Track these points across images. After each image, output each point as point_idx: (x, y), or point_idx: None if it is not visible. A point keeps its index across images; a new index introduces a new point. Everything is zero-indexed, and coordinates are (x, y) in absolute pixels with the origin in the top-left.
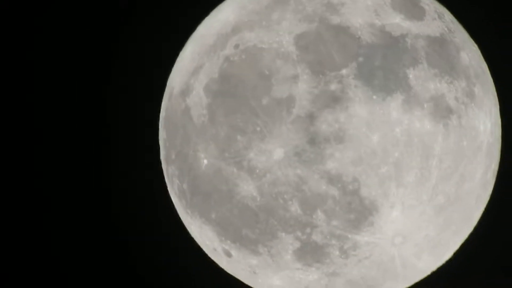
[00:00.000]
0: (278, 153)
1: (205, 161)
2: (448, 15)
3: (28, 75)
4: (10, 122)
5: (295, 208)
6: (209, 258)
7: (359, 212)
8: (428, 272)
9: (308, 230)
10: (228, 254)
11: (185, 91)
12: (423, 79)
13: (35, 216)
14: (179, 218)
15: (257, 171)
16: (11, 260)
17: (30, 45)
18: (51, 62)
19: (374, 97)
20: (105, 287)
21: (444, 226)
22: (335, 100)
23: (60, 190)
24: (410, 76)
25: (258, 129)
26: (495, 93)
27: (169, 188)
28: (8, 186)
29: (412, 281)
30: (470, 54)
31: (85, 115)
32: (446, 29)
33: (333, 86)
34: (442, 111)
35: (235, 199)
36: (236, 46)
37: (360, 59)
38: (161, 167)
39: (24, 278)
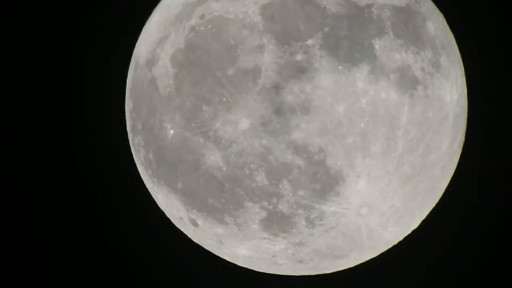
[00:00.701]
0: (244, 123)
1: (171, 131)
2: None
3: None
4: None
5: (261, 178)
6: (176, 227)
7: (325, 182)
8: (395, 242)
9: (274, 200)
10: (195, 224)
11: (151, 62)
12: (389, 49)
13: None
14: (145, 187)
15: (223, 141)
16: None
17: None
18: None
19: (340, 67)
20: (72, 256)
21: (410, 197)
22: (301, 71)
23: (29, 161)
24: (376, 46)
25: (224, 99)
26: (462, 64)
27: (135, 158)
28: None
29: (379, 251)
30: (436, 24)
31: (52, 86)
32: None
33: (299, 57)
34: (408, 81)
35: (201, 169)
36: (202, 17)
37: (326, 29)
38: (127, 137)
39: None
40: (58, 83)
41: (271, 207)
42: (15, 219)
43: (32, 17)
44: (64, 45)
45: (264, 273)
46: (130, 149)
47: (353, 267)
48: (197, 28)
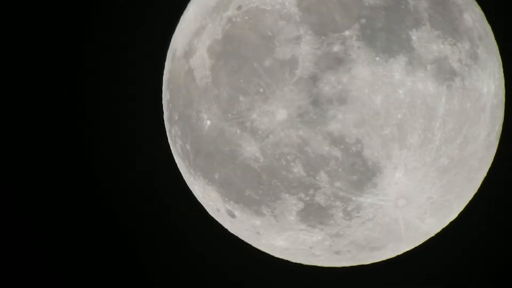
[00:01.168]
0: (281, 114)
1: (208, 122)
2: None
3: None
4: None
5: (298, 169)
6: (213, 218)
7: (362, 173)
8: (432, 234)
9: (311, 191)
10: (232, 215)
11: (188, 53)
12: (426, 40)
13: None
14: (182, 178)
15: (260, 132)
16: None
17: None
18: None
19: (377, 58)
20: (109, 249)
21: (448, 188)
22: (338, 62)
23: (66, 154)
24: (413, 37)
25: (261, 90)
26: (499, 55)
27: (172, 149)
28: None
29: (416, 243)
30: (474, 16)
31: (91, 77)
32: None
33: (336, 48)
34: (445, 73)
35: (238, 160)
36: (239, 7)
37: (363, 20)
38: (164, 128)
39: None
40: (97, 74)
41: (308, 198)
42: (56, 213)
43: (69, 7)
44: (102, 37)
45: (300, 264)
46: (167, 140)
47: (390, 258)
48: (234, 19)
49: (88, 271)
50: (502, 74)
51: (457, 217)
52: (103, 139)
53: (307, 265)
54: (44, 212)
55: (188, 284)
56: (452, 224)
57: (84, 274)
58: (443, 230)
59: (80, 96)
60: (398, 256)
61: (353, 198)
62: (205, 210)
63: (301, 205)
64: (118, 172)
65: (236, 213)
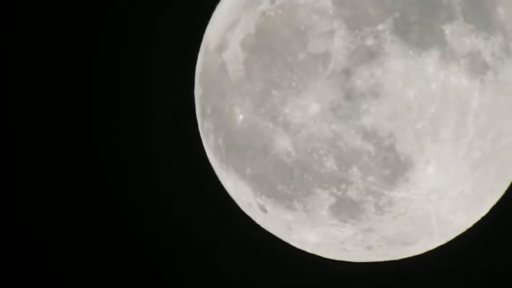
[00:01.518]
0: (314, 108)
1: (241, 116)
2: None
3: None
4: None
5: (330, 163)
6: (244, 213)
7: (395, 168)
8: (464, 229)
9: (343, 186)
10: (263, 210)
11: (221, 46)
12: (459, 34)
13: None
14: (214, 173)
15: (292, 126)
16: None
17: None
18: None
19: (410, 52)
20: (138, 241)
21: (480, 182)
22: (371, 55)
23: (97, 146)
24: (447, 31)
25: (294, 84)
26: None
27: (204, 143)
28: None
29: (448, 238)
30: (507, 9)
31: (122, 71)
32: None
33: (369, 41)
34: (478, 66)
35: (270, 154)
36: (272, 1)
37: (396, 14)
38: (196, 122)
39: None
40: (129, 68)
41: (340, 193)
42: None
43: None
44: (136, 31)
45: (332, 259)
46: (199, 134)
47: (422, 254)
48: (268, 13)
49: (116, 264)
50: None
51: (489, 212)
52: (135, 133)
53: (338, 260)
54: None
55: (219, 278)
56: (484, 219)
57: (115, 267)
58: (475, 225)
59: (112, 91)
60: (429, 251)
61: (385, 193)
62: (237, 204)
63: (333, 199)
64: (150, 166)
65: (268, 207)
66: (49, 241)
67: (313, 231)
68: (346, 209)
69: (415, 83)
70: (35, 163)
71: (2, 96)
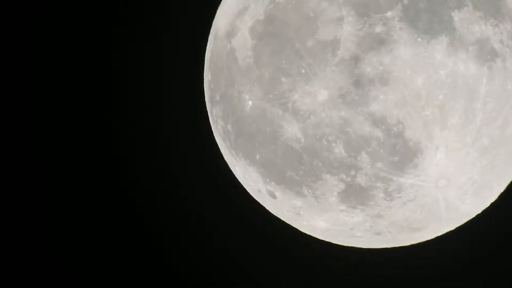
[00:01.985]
0: (323, 95)
1: (250, 103)
2: None
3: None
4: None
5: (339, 150)
6: (254, 199)
7: (404, 154)
8: (473, 215)
9: (352, 172)
10: (273, 196)
11: (231, 33)
12: (468, 21)
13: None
14: (224, 159)
15: (302, 112)
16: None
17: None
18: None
19: (419, 39)
20: (147, 227)
21: (488, 169)
22: (380, 43)
23: (105, 132)
24: (455, 18)
25: (303, 71)
26: None
27: (213, 129)
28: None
29: (456, 224)
30: None
31: (132, 57)
32: None
33: (378, 29)
34: (487, 53)
35: (280, 140)
36: None
37: (405, 1)
38: (206, 108)
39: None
40: (139, 55)
41: (349, 179)
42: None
43: None
44: (145, 18)
45: (341, 245)
46: (208, 120)
47: (431, 240)
48: (277, 0)
49: (126, 250)
50: None
51: (497, 198)
52: (144, 119)
53: (348, 246)
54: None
55: (228, 264)
56: (492, 205)
57: (123, 253)
58: (484, 211)
59: (122, 77)
60: (438, 237)
61: (394, 179)
62: (246, 191)
63: (342, 186)
64: (159, 152)
65: (277, 194)
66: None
67: (322, 217)
68: (355, 195)
69: (424, 70)
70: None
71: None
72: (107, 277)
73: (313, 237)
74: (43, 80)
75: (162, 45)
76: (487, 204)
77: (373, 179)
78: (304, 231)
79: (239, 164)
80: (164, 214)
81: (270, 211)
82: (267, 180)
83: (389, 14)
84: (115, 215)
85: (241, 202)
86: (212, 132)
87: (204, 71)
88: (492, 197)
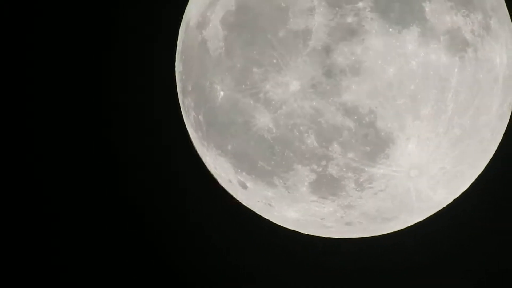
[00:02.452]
0: (294, 85)
1: (222, 93)
2: None
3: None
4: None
5: (311, 140)
6: (225, 190)
7: (375, 144)
8: (444, 205)
9: (324, 162)
10: (244, 186)
11: (202, 24)
12: (439, 12)
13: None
14: (195, 149)
15: (273, 103)
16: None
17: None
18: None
19: (390, 30)
20: (118, 219)
21: (460, 159)
22: (351, 33)
23: (75, 125)
24: (426, 9)
25: (275, 61)
26: None
27: (185, 120)
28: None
29: (428, 214)
30: None
31: (101, 48)
32: None
33: (350, 19)
34: (458, 44)
35: (251, 131)
36: None
37: None
38: (177, 99)
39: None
40: (107, 44)
41: (320, 169)
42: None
43: None
44: (114, 7)
45: (312, 235)
46: (180, 111)
47: (402, 230)
48: None
49: (94, 239)
50: None
51: (469, 188)
52: (117, 111)
53: (318, 236)
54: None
55: (199, 255)
56: (464, 194)
57: (88, 245)
58: (455, 200)
59: (92, 69)
60: (409, 227)
61: (366, 169)
62: (217, 181)
63: (313, 176)
64: (131, 143)
65: (248, 184)
66: None
67: (293, 208)
68: (326, 185)
69: (395, 60)
70: None
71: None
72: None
73: (284, 227)
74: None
75: (133, 36)
76: (459, 194)
77: (344, 169)
78: (275, 222)
79: (210, 154)
80: (133, 204)
81: (241, 201)
82: (239, 170)
83: (360, 4)
84: (78, 204)
85: (212, 192)
86: (184, 123)
87: (176, 62)
88: (464, 186)
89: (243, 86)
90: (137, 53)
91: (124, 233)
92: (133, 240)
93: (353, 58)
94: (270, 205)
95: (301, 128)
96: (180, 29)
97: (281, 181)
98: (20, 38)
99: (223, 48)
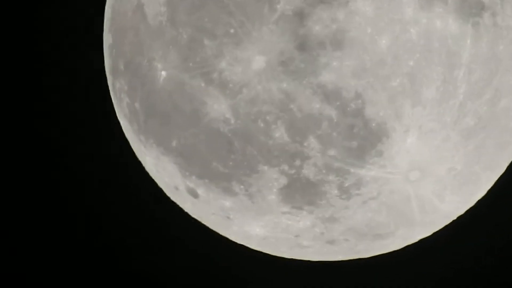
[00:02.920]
0: (258, 62)
1: (163, 73)
2: None
3: None
4: None
5: (280, 133)
6: (170, 199)
7: (364, 138)
8: (454, 217)
9: (297, 162)
10: (194, 194)
11: None
12: None
13: None
14: (130, 147)
15: (231, 85)
16: None
17: None
18: None
19: None
20: (56, 227)
21: (474, 157)
22: None
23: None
24: None
25: (232, 30)
26: None
27: (116, 108)
28: None
29: (433, 229)
30: None
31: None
32: None
33: None
34: (471, 7)
35: (203, 122)
36: None
37: None
38: (106, 81)
39: None
40: (28, 15)
41: (293, 171)
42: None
43: None
44: None
45: (284, 258)
46: (110, 97)
47: (400, 249)
48: None
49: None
50: None
51: (486, 195)
52: (32, 94)
53: (292, 259)
54: None
55: (141, 278)
56: (480, 203)
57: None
58: (468, 211)
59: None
60: (409, 246)
61: (352, 171)
62: (159, 188)
63: (284, 180)
64: (53, 139)
65: (200, 191)
66: None
67: (259, 221)
68: (301, 192)
69: (389, 28)
70: None
71: None
72: None
73: (247, 247)
74: None
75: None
76: (473, 202)
77: (324, 171)
78: (235, 240)
79: (150, 153)
80: (62, 220)
81: (191, 214)
82: (187, 173)
83: None
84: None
85: (153, 202)
86: (115, 112)
87: (104, 33)
88: (480, 192)
89: (191, 64)
90: (54, 22)
91: (58, 243)
92: (68, 250)
93: (334, 27)
94: (228, 218)
95: (267, 117)
96: None
97: (242, 187)
98: None
99: (165, 15)
